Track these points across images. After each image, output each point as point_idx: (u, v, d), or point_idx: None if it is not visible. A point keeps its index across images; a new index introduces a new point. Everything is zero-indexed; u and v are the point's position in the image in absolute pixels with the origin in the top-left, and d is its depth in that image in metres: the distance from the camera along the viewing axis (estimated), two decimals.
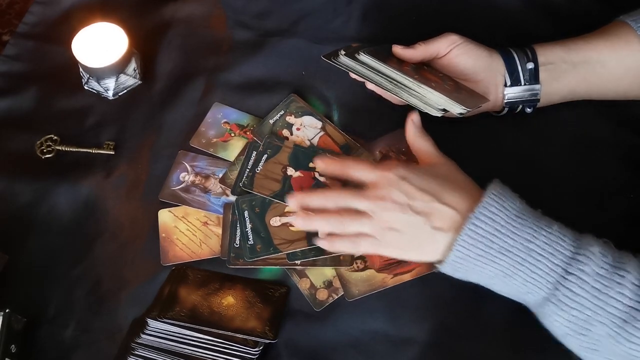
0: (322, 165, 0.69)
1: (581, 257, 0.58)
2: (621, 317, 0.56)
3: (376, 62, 0.71)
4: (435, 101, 0.70)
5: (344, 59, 0.72)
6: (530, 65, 0.75)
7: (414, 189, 0.63)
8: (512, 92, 0.76)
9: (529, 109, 0.77)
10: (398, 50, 0.74)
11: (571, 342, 0.60)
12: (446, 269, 0.63)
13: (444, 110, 0.70)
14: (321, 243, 0.66)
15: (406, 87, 0.71)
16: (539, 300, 0.60)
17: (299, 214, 0.66)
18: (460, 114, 0.70)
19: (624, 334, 0.56)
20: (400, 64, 0.73)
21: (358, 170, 0.67)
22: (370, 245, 0.64)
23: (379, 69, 0.71)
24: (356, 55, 0.72)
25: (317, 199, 0.66)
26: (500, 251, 0.59)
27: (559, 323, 0.59)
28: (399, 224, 0.63)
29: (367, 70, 0.72)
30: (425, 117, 0.73)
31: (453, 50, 0.74)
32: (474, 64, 0.74)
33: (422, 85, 0.70)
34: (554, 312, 0.59)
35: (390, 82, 0.71)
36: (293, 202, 0.67)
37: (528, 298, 0.61)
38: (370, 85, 0.76)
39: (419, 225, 0.62)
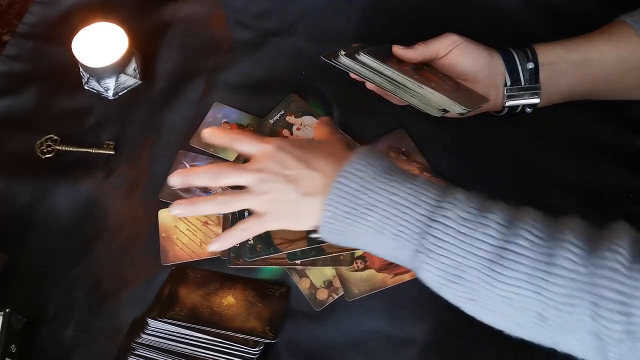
0: (208, 135, 0.69)
1: (445, 204, 0.57)
2: (489, 259, 0.54)
3: (376, 62, 0.71)
4: (436, 101, 0.70)
5: (343, 59, 0.72)
6: (530, 65, 0.75)
7: (289, 158, 0.64)
8: (513, 93, 0.76)
9: (529, 109, 0.77)
10: (398, 50, 0.74)
11: (448, 294, 0.59)
12: (323, 233, 0.63)
13: (444, 110, 0.70)
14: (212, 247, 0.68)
15: (406, 87, 0.71)
16: (411, 254, 0.58)
17: (179, 201, 0.67)
18: (461, 114, 0.70)
19: (494, 275, 0.54)
20: (400, 64, 0.73)
21: (242, 143, 0.67)
22: (254, 224, 0.66)
23: (378, 69, 0.71)
24: (356, 56, 0.71)
25: (199, 177, 0.67)
26: (367, 207, 0.59)
27: (431, 274, 0.58)
28: (276, 194, 0.64)
29: (367, 71, 0.72)
30: (426, 117, 0.73)
31: (453, 51, 0.74)
32: (474, 63, 0.74)
33: (422, 86, 0.70)
34: (424, 261, 0.57)
35: (390, 82, 0.71)
36: (175, 180, 0.67)
37: (401, 254, 0.60)
38: (370, 86, 0.76)
39: (292, 192, 0.63)
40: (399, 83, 0.71)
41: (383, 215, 0.59)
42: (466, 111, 0.70)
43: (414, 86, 0.70)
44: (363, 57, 0.71)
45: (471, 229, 0.56)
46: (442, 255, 0.56)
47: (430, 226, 0.57)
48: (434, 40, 0.75)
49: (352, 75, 0.74)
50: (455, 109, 0.69)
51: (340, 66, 0.72)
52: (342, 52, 0.72)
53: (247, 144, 0.67)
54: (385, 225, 0.59)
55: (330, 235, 0.63)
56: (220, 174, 0.67)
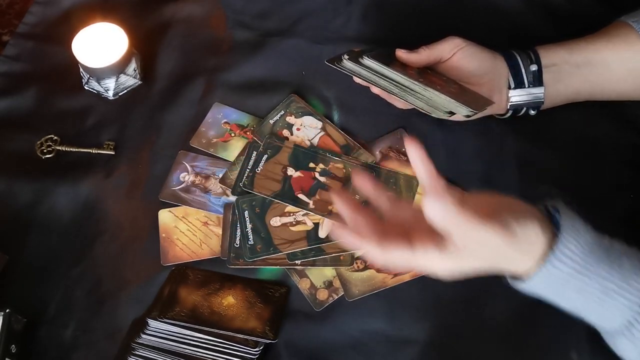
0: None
1: None
2: None
3: (381, 66, 0.71)
4: (442, 104, 0.70)
5: (347, 64, 0.72)
6: (533, 68, 0.75)
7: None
8: (517, 95, 0.76)
9: (532, 112, 0.77)
10: (401, 54, 0.74)
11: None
12: (518, 287, 0.59)
13: (450, 112, 0.70)
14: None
15: (412, 90, 0.70)
16: (611, 331, 0.59)
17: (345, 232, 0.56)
18: (467, 116, 0.70)
19: None
20: (404, 67, 0.73)
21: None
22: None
23: (383, 72, 0.71)
24: (360, 60, 0.71)
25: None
26: (577, 291, 0.57)
27: (629, 353, 0.58)
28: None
29: (372, 74, 0.71)
30: (426, 117, 0.73)
31: (456, 54, 0.74)
32: (478, 67, 0.74)
33: (428, 88, 0.69)
34: (627, 344, 0.58)
35: (396, 85, 0.71)
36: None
37: (598, 325, 0.60)
38: (375, 90, 0.75)
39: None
40: (405, 86, 0.71)
41: (592, 300, 0.57)
42: (473, 113, 0.70)
43: (420, 89, 0.70)
44: (367, 61, 0.71)
45: None
46: None
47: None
48: (437, 44, 0.75)
49: (357, 80, 0.74)
50: (462, 111, 0.69)
51: (344, 70, 0.72)
52: (345, 57, 0.72)
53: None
54: (593, 307, 0.58)
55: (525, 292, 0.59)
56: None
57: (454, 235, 0.52)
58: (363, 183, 0.59)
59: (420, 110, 0.70)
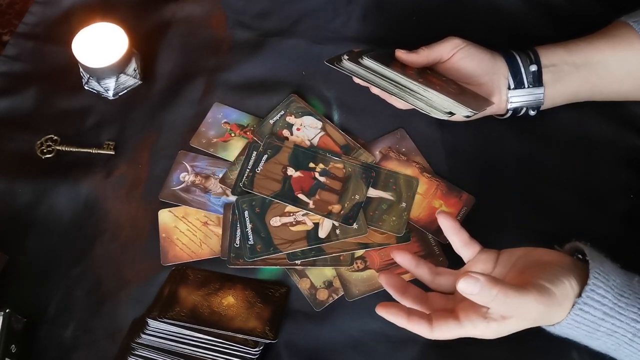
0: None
1: None
2: None
3: (381, 66, 0.71)
4: (441, 104, 0.70)
5: (347, 64, 0.72)
6: (533, 68, 0.74)
7: None
8: (516, 95, 0.76)
9: (532, 112, 0.77)
10: (401, 55, 0.74)
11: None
12: (549, 330, 0.60)
13: (450, 113, 0.70)
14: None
15: (412, 90, 0.70)
16: None
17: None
18: (467, 116, 0.70)
19: None
20: (404, 68, 0.73)
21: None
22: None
23: (383, 73, 0.71)
24: (360, 60, 0.71)
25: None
26: (608, 333, 0.58)
27: None
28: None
29: (372, 75, 0.71)
30: (426, 118, 0.73)
31: (456, 54, 0.74)
32: (477, 67, 0.74)
33: (428, 89, 0.69)
34: None
35: (396, 86, 0.71)
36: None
37: None
38: (374, 90, 0.75)
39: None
40: (404, 86, 0.71)
41: (623, 340, 0.58)
42: (472, 113, 0.69)
43: (420, 89, 0.70)
44: (367, 62, 0.71)
45: None
46: None
47: None
48: (436, 45, 0.75)
49: (356, 80, 0.74)
50: (462, 111, 0.69)
51: (344, 70, 0.72)
52: (345, 57, 0.72)
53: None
54: (624, 348, 0.58)
55: (559, 334, 0.60)
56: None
57: (494, 308, 0.54)
58: (403, 259, 0.62)
59: (420, 110, 0.70)
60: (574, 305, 0.56)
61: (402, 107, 0.78)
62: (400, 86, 0.71)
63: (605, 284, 0.56)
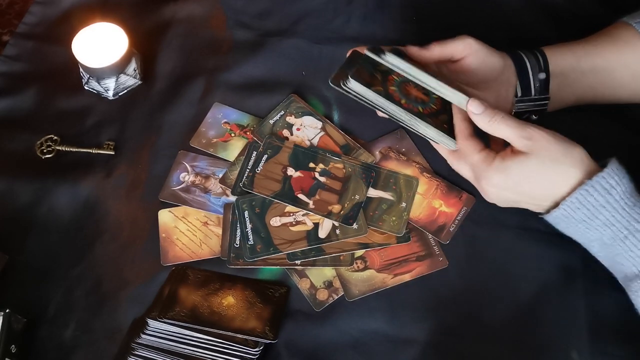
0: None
1: None
2: None
3: (363, 88, 0.67)
4: (425, 134, 0.69)
5: (355, 86, 0.67)
6: (542, 76, 0.74)
7: None
8: (522, 104, 0.75)
9: (535, 117, 0.77)
10: (413, 51, 0.72)
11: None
12: (548, 219, 0.65)
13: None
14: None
15: (422, 121, 0.68)
16: (630, 274, 0.61)
17: None
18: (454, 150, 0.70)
19: None
20: (384, 84, 0.69)
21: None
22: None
23: (367, 96, 0.67)
24: (343, 85, 0.67)
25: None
26: (606, 223, 0.61)
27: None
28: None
29: (382, 101, 0.68)
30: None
31: (468, 58, 0.72)
32: (488, 74, 0.73)
33: (413, 117, 0.67)
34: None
35: (406, 113, 0.68)
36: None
37: (619, 269, 0.63)
38: (380, 114, 0.71)
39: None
40: (388, 112, 0.68)
41: (618, 236, 0.61)
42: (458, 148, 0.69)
43: (402, 114, 0.68)
44: (351, 84, 0.67)
45: None
46: None
47: None
48: (449, 42, 0.72)
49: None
50: (450, 144, 0.69)
51: (350, 94, 0.68)
52: (330, 80, 0.67)
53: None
54: (618, 244, 0.61)
55: (555, 224, 0.65)
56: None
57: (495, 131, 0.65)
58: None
59: (430, 140, 0.69)
60: (581, 184, 0.60)
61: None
62: (411, 114, 0.68)
63: (618, 180, 0.60)
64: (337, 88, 0.68)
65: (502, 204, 0.68)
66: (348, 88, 0.67)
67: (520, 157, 0.63)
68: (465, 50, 0.72)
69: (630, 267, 0.61)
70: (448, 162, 0.70)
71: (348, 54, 0.72)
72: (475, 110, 0.65)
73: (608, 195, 0.60)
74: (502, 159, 0.64)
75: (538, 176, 0.63)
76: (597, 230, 0.62)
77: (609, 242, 0.62)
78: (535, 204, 0.66)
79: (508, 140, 0.65)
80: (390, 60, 0.68)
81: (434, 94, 0.68)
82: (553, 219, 0.65)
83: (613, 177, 0.61)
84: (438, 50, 0.73)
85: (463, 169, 0.69)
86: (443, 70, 0.75)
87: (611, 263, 0.64)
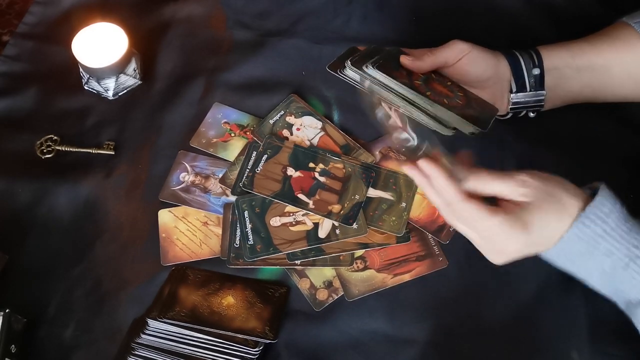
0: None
1: None
2: None
3: (386, 77, 0.69)
4: (447, 119, 0.69)
5: (350, 73, 0.70)
6: (536, 71, 0.74)
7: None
8: (518, 99, 0.75)
9: (532, 114, 0.77)
10: (406, 62, 0.72)
11: None
12: (547, 255, 0.62)
13: (455, 129, 0.69)
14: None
15: (418, 104, 0.69)
16: (635, 301, 0.60)
17: None
18: (472, 133, 0.70)
19: None
20: (410, 76, 0.71)
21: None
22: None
23: (389, 84, 0.69)
24: (364, 69, 0.69)
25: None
26: (606, 253, 0.59)
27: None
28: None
29: (377, 86, 0.69)
30: None
31: (462, 60, 0.73)
32: (483, 73, 0.74)
33: (435, 104, 0.68)
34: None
35: (402, 99, 0.69)
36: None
37: (622, 296, 0.61)
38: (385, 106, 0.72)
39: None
40: (410, 100, 0.69)
41: (619, 265, 0.59)
42: (478, 131, 0.69)
43: (427, 104, 0.68)
44: (371, 71, 0.69)
45: None
46: None
47: None
48: (441, 49, 0.73)
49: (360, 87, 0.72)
50: (467, 129, 0.68)
51: (347, 79, 0.70)
52: (349, 63, 0.70)
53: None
54: (619, 272, 0.59)
55: (554, 260, 0.62)
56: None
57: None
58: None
59: (425, 125, 0.69)
60: (576, 219, 0.59)
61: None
62: (406, 98, 0.69)
63: (611, 207, 0.59)
64: (334, 73, 0.70)
65: (511, 259, 0.63)
66: (363, 72, 0.69)
67: (529, 207, 0.60)
68: (458, 55, 0.73)
69: (635, 294, 0.60)
70: (442, 214, 0.64)
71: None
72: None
73: (604, 224, 0.59)
74: (517, 216, 0.60)
75: (552, 216, 0.60)
76: (597, 260, 0.60)
77: (610, 272, 0.60)
78: (544, 246, 0.62)
79: (502, 196, 0.61)
80: (373, 75, 0.69)
81: (458, 91, 0.70)
82: (552, 254, 0.61)
83: (606, 205, 0.59)
84: (431, 60, 0.73)
85: (463, 230, 0.63)
86: (440, 72, 0.75)
87: (613, 291, 0.62)
